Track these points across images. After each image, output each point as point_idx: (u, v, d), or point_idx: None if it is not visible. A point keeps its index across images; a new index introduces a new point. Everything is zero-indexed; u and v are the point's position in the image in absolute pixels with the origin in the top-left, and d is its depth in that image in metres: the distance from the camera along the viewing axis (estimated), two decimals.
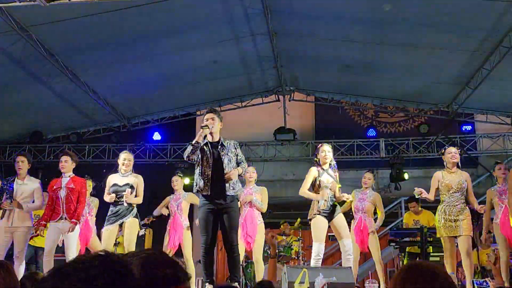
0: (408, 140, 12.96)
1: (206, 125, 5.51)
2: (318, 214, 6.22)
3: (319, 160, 6.47)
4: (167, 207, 8.06)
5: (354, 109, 13.99)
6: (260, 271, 7.29)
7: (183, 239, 7.54)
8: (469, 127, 12.96)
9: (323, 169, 6.39)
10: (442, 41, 9.17)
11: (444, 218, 6.39)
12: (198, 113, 13.38)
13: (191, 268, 7.42)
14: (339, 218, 6.31)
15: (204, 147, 5.51)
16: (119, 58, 9.79)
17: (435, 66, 10.18)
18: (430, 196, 6.53)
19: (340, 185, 6.43)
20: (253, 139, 13.41)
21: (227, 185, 5.46)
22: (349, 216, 7.31)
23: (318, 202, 6.24)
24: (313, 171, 6.39)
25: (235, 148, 5.69)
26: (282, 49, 10.66)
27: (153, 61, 10.09)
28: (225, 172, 5.46)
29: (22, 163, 6.86)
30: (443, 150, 6.79)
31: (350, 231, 7.47)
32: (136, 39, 9.27)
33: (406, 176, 12.29)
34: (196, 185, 5.55)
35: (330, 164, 6.45)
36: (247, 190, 7.47)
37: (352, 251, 6.46)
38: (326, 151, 6.44)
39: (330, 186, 6.30)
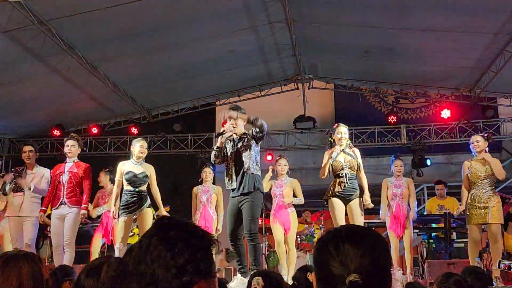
0: (430, 126, 12.81)
1: (222, 132, 5.65)
2: (332, 196, 6.22)
3: (334, 141, 6.44)
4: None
5: (374, 95, 13.86)
6: (293, 260, 7.21)
7: (213, 230, 7.54)
8: (492, 112, 12.73)
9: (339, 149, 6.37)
10: (463, 23, 9.00)
11: (472, 206, 6.31)
12: (217, 103, 13.38)
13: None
14: (355, 203, 6.25)
15: (227, 144, 5.69)
16: (138, 49, 9.81)
17: (456, 49, 10.00)
18: (465, 192, 6.51)
19: (360, 161, 6.41)
20: (273, 128, 13.36)
21: (246, 176, 5.56)
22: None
23: (335, 183, 6.25)
24: (326, 156, 6.38)
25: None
26: (300, 37, 10.57)
27: (171, 52, 10.09)
28: (248, 162, 5.57)
29: (30, 153, 6.89)
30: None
31: (387, 218, 7.43)
32: (155, 30, 9.27)
33: (428, 162, 12.18)
34: (225, 179, 5.72)
35: (346, 144, 6.43)
36: (278, 182, 7.44)
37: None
38: (342, 132, 6.39)
39: (349, 165, 6.27)
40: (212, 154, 5.74)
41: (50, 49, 9.05)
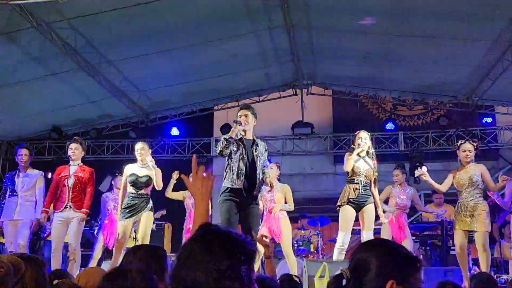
0: (428, 133, 12.82)
1: (240, 122, 5.49)
2: (346, 203, 6.17)
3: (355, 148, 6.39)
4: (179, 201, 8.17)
5: (372, 102, 13.88)
6: (293, 265, 7.22)
7: None
8: (489, 119, 12.76)
9: (359, 156, 6.29)
10: (461, 31, 9.02)
11: (459, 213, 6.37)
12: (216, 108, 13.38)
13: None
14: (369, 209, 6.23)
15: (239, 142, 5.51)
16: (137, 53, 9.80)
17: (455, 57, 10.02)
18: (438, 186, 6.60)
19: (377, 174, 6.38)
20: (271, 134, 13.37)
21: (257, 184, 5.52)
22: None
23: (349, 190, 6.21)
24: (347, 155, 6.33)
25: (265, 151, 5.80)
26: (300, 43, 10.58)
27: (171, 56, 10.09)
28: (260, 173, 5.55)
29: (26, 156, 6.91)
30: (458, 144, 6.69)
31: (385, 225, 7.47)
32: (155, 34, 9.27)
33: (424, 169, 12.17)
34: (228, 178, 5.48)
35: (368, 152, 6.36)
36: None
37: None
38: (363, 138, 6.35)
39: (366, 174, 6.24)
40: (221, 144, 5.41)
41: (49, 51, 9.05)
